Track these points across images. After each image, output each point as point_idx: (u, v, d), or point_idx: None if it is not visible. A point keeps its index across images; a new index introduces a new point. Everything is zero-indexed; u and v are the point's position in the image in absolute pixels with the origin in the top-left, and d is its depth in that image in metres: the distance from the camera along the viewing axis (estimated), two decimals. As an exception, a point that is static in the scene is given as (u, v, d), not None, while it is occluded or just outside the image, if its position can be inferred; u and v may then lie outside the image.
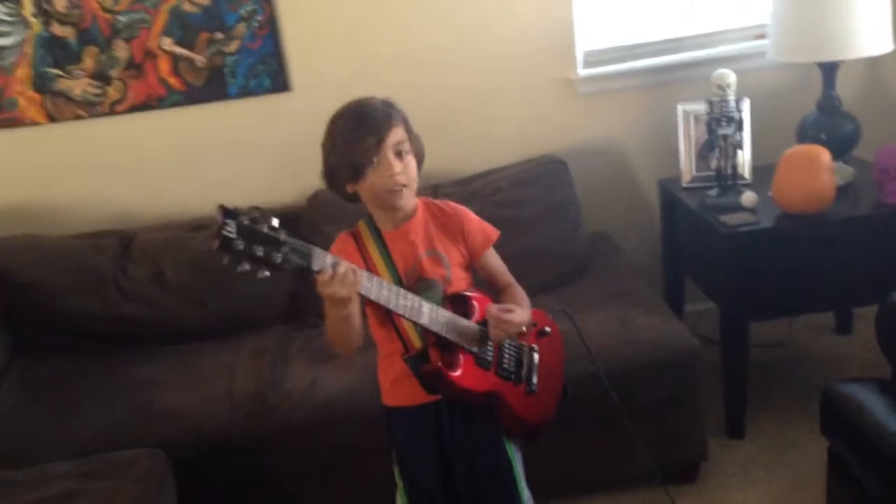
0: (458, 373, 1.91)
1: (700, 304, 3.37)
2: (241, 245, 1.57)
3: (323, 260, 1.70)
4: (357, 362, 2.66)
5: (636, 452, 2.45)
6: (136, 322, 3.01)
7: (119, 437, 2.50)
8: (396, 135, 1.88)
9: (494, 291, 2.09)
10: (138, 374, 2.81)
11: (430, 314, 1.86)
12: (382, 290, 1.80)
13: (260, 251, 1.59)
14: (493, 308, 1.94)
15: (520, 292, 2.08)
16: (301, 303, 3.07)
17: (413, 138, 1.94)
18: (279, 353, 2.84)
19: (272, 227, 1.62)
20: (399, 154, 1.88)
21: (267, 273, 1.63)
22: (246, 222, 1.59)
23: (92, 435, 2.54)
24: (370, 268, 1.93)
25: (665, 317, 2.76)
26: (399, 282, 1.92)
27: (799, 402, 2.97)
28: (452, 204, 2.08)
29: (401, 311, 1.83)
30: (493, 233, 2.08)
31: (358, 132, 1.86)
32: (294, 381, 2.67)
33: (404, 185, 1.89)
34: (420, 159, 1.98)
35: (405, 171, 1.89)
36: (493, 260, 2.10)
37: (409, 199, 1.94)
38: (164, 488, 2.36)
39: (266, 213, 1.66)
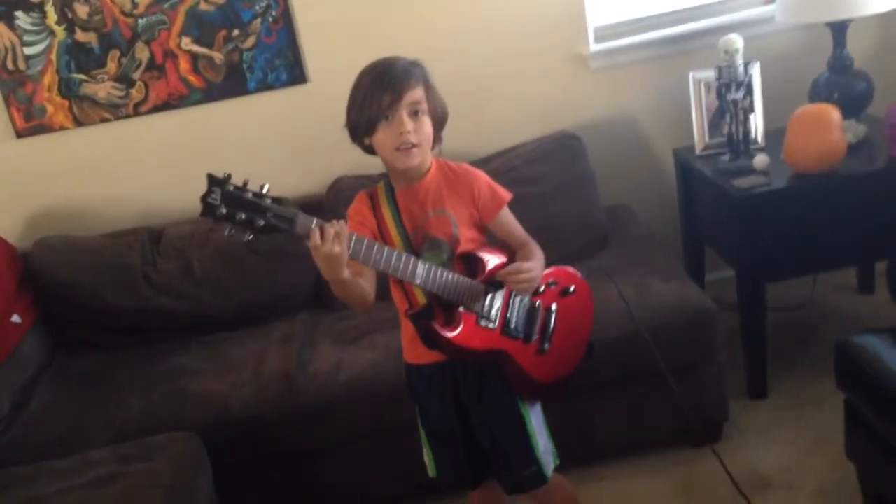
0: (454, 331, 1.95)
1: (721, 273, 3.39)
2: (223, 210, 1.68)
3: (308, 224, 1.76)
4: (380, 342, 2.75)
5: (669, 410, 2.53)
6: (168, 314, 3.11)
7: (154, 424, 2.60)
8: (414, 95, 1.91)
9: (510, 252, 2.11)
10: (171, 363, 2.91)
11: (426, 274, 1.90)
12: (373, 251, 1.84)
13: (242, 216, 1.70)
14: (509, 266, 1.98)
15: (534, 250, 2.09)
16: (326, 289, 3.14)
17: (432, 100, 1.97)
18: (306, 338, 2.93)
19: (257, 195, 1.71)
20: (415, 114, 1.92)
21: (251, 236, 1.73)
22: (230, 189, 1.69)
23: (128, 423, 2.65)
24: (381, 225, 1.99)
25: (681, 281, 2.79)
26: (406, 239, 1.98)
27: (821, 362, 2.94)
28: (465, 165, 2.10)
29: (391, 272, 1.88)
30: (505, 195, 2.08)
31: (376, 88, 1.90)
32: (320, 363, 2.75)
33: (414, 145, 1.93)
34: (440, 121, 2.00)
35: (417, 130, 1.92)
36: (507, 222, 2.11)
37: (419, 159, 1.97)
38: (199, 468, 2.45)
39: (264, 187, 1.74)
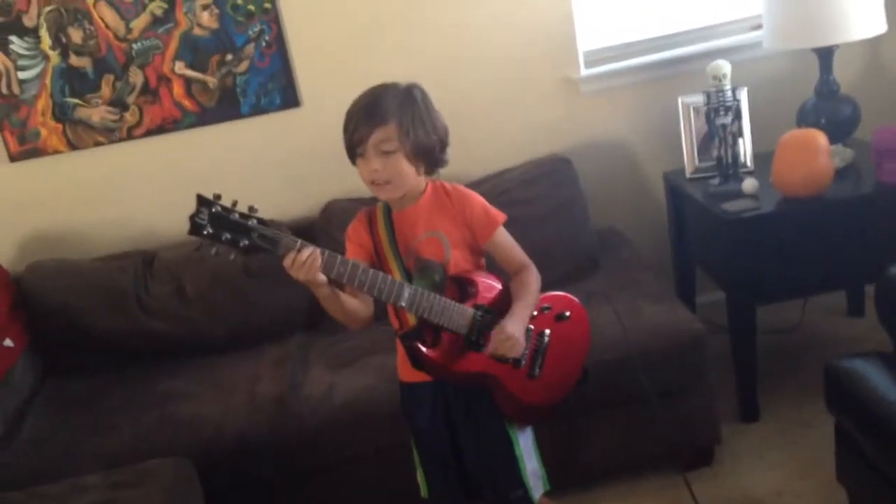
0: (439, 353, 1.97)
1: (711, 295, 3.40)
2: (209, 230, 1.74)
3: (292, 246, 1.80)
4: (373, 364, 2.75)
5: (660, 434, 2.54)
6: (161, 337, 3.11)
7: (147, 449, 2.59)
8: (381, 134, 1.91)
9: (507, 275, 2.12)
10: (164, 387, 2.90)
11: (412, 297, 1.91)
12: (358, 273, 1.86)
13: (227, 236, 1.75)
14: (494, 339, 1.98)
15: (526, 281, 2.07)
16: (320, 311, 3.14)
17: (412, 134, 1.93)
18: (299, 361, 2.92)
19: (243, 215, 1.76)
20: (384, 153, 1.92)
21: (233, 255, 1.78)
22: (217, 210, 1.74)
23: (121, 448, 2.63)
24: (377, 246, 2.01)
25: (671, 304, 2.81)
26: (400, 261, 1.99)
27: (812, 385, 2.95)
28: (459, 187, 2.10)
29: (375, 294, 1.90)
30: (499, 216, 2.08)
31: (352, 123, 1.94)
32: (313, 386, 2.75)
33: (385, 182, 1.95)
34: (425, 152, 1.96)
35: (385, 169, 1.93)
36: (503, 244, 2.10)
37: (395, 194, 1.99)
38: (191, 494, 2.44)
39: (253, 208, 1.80)
